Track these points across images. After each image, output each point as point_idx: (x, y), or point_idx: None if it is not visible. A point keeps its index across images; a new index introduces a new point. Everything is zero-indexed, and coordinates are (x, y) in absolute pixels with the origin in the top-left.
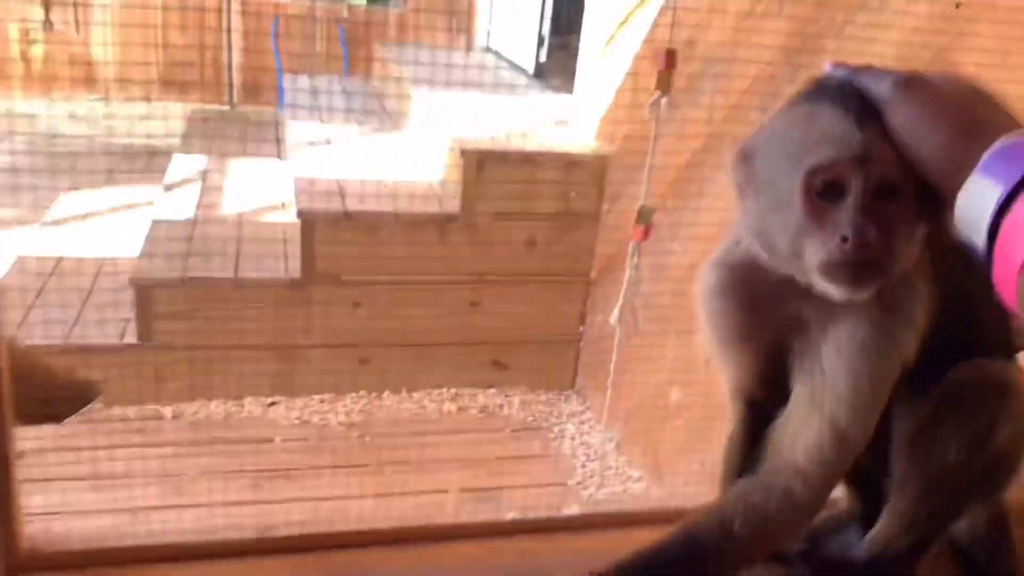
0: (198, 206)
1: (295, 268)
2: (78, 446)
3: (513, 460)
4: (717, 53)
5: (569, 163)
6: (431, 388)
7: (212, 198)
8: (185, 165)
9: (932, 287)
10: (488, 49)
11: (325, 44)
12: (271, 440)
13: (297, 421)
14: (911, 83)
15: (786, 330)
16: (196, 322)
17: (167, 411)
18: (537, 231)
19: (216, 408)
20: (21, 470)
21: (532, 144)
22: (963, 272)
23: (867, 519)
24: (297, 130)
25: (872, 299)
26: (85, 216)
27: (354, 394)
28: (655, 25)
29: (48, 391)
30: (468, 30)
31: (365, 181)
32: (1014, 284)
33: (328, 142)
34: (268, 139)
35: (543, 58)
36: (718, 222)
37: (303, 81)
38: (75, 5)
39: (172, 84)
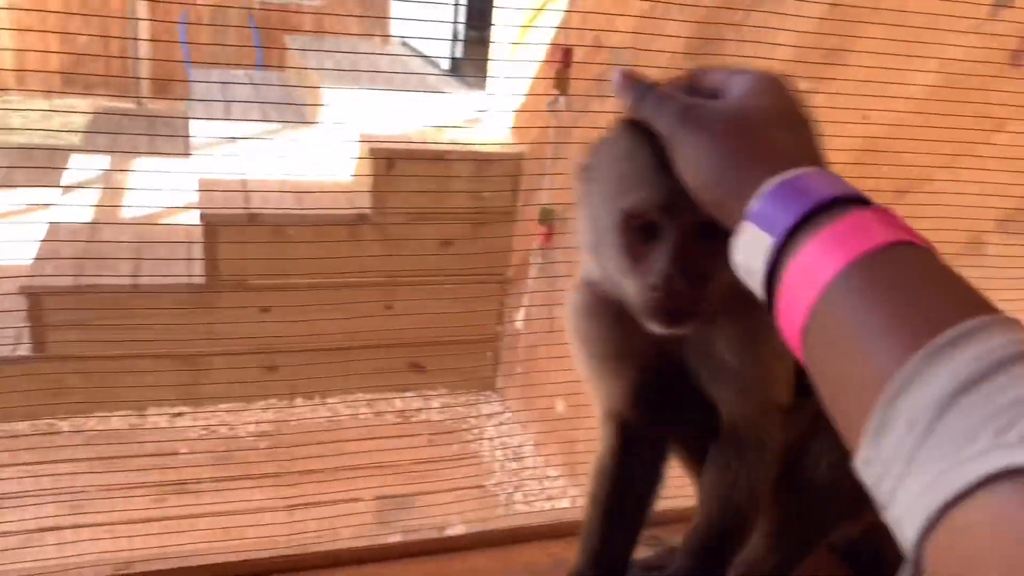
0: (97, 209)
1: (199, 273)
2: None
3: (431, 464)
4: (621, 52)
5: (482, 161)
6: (345, 394)
7: (113, 200)
8: (86, 165)
9: None
10: (403, 43)
11: (237, 36)
12: (176, 453)
13: (204, 432)
14: (688, 115)
15: (660, 344)
16: (94, 331)
17: (64, 425)
18: (451, 230)
19: (117, 421)
20: None
21: (444, 142)
22: None
23: None
24: (203, 128)
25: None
26: None
27: (264, 402)
28: (560, 23)
29: None
30: (383, 23)
31: (272, 181)
32: (799, 343)
33: (234, 140)
34: (175, 137)
35: (458, 53)
36: None
37: (212, 75)
38: None
39: (74, 78)
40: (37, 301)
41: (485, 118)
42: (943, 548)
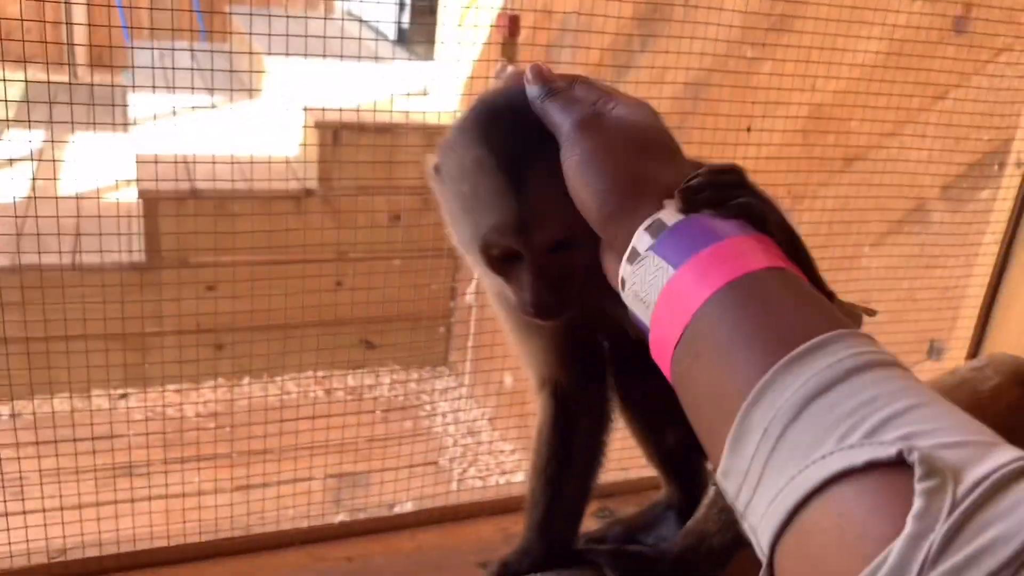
0: (32, 186)
1: (140, 251)
2: None
3: (384, 442)
4: (571, 21)
5: (431, 133)
6: (295, 372)
7: (48, 177)
8: (19, 141)
9: None
10: (349, 14)
11: (177, 3)
12: (122, 436)
13: (150, 414)
14: (587, 126)
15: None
16: (32, 312)
17: (3, 410)
18: (401, 205)
19: (60, 404)
20: None
21: (391, 114)
22: None
23: (686, 510)
24: (142, 102)
25: None
26: None
27: (212, 382)
28: None
29: None
30: None
31: (215, 156)
32: (668, 365)
33: (174, 113)
34: (115, 113)
35: (405, 23)
36: None
37: (152, 47)
38: None
39: (6, 49)
40: None
41: (434, 88)
42: (791, 551)
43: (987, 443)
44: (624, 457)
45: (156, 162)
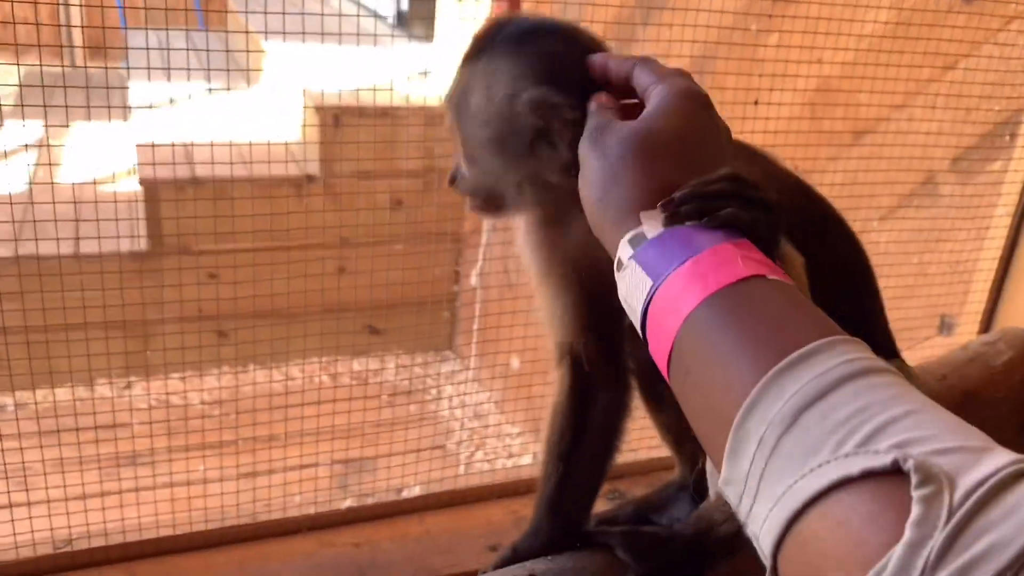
0: (32, 177)
1: (141, 237)
2: None
3: (390, 427)
4: None
5: (432, 116)
6: (300, 359)
7: (48, 167)
8: (18, 132)
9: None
10: None
11: None
12: (126, 424)
13: (155, 402)
14: (596, 135)
15: (592, 259)
16: (34, 302)
17: (8, 401)
18: (403, 189)
19: (63, 394)
20: None
21: (392, 97)
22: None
23: (698, 491)
24: (141, 91)
25: None
26: None
27: (216, 370)
28: None
29: None
30: None
31: (215, 143)
32: (667, 373)
33: (173, 102)
34: (113, 101)
35: (404, 5)
36: None
37: (151, 36)
38: None
39: (2, 43)
40: None
41: (434, 71)
42: (792, 558)
43: (980, 448)
44: (634, 438)
45: (154, 147)
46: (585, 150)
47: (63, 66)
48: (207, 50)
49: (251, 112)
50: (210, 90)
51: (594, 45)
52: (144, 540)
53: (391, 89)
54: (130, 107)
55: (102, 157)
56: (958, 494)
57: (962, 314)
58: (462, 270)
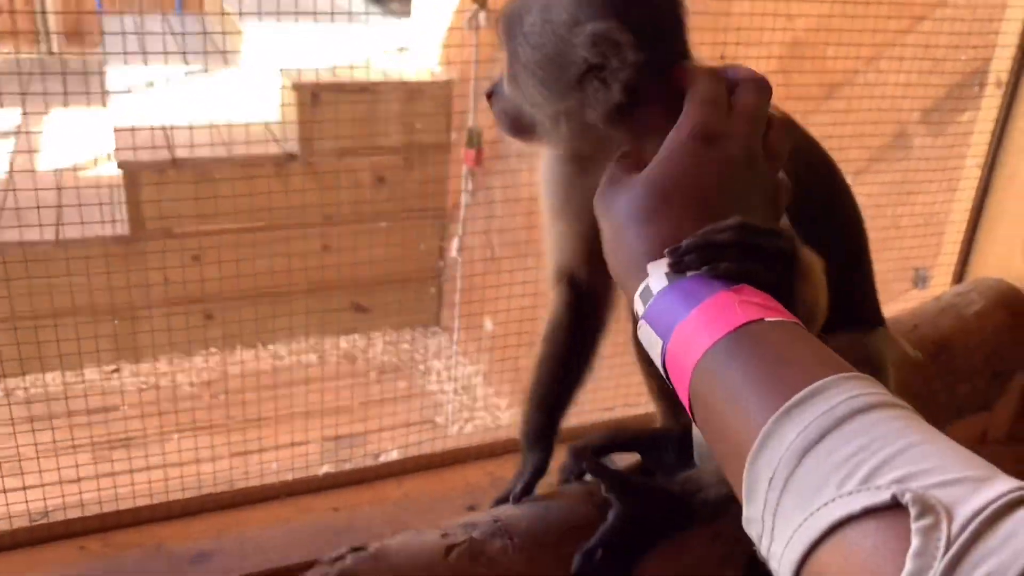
0: (11, 163)
1: (123, 221)
2: None
3: (379, 403)
4: None
5: (411, 92)
6: (288, 339)
7: (27, 154)
8: None
9: None
10: None
11: None
12: (116, 408)
13: (144, 385)
14: (601, 200)
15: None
16: (18, 289)
17: None
18: (384, 166)
19: (52, 380)
20: None
21: (370, 74)
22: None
23: (685, 444)
24: (118, 75)
25: None
26: None
27: (204, 352)
28: None
29: None
30: None
31: (194, 125)
32: (691, 414)
33: (151, 85)
34: (91, 86)
35: None
36: None
37: (127, 21)
38: None
39: None
40: None
41: (412, 46)
42: None
43: (980, 478)
44: (631, 393)
45: (133, 131)
46: (599, 213)
47: (40, 54)
48: (184, 33)
49: (229, 93)
50: (188, 73)
51: None
52: (121, 510)
53: (368, 66)
54: (108, 92)
55: (81, 143)
56: (956, 524)
57: (936, 266)
58: (445, 245)
